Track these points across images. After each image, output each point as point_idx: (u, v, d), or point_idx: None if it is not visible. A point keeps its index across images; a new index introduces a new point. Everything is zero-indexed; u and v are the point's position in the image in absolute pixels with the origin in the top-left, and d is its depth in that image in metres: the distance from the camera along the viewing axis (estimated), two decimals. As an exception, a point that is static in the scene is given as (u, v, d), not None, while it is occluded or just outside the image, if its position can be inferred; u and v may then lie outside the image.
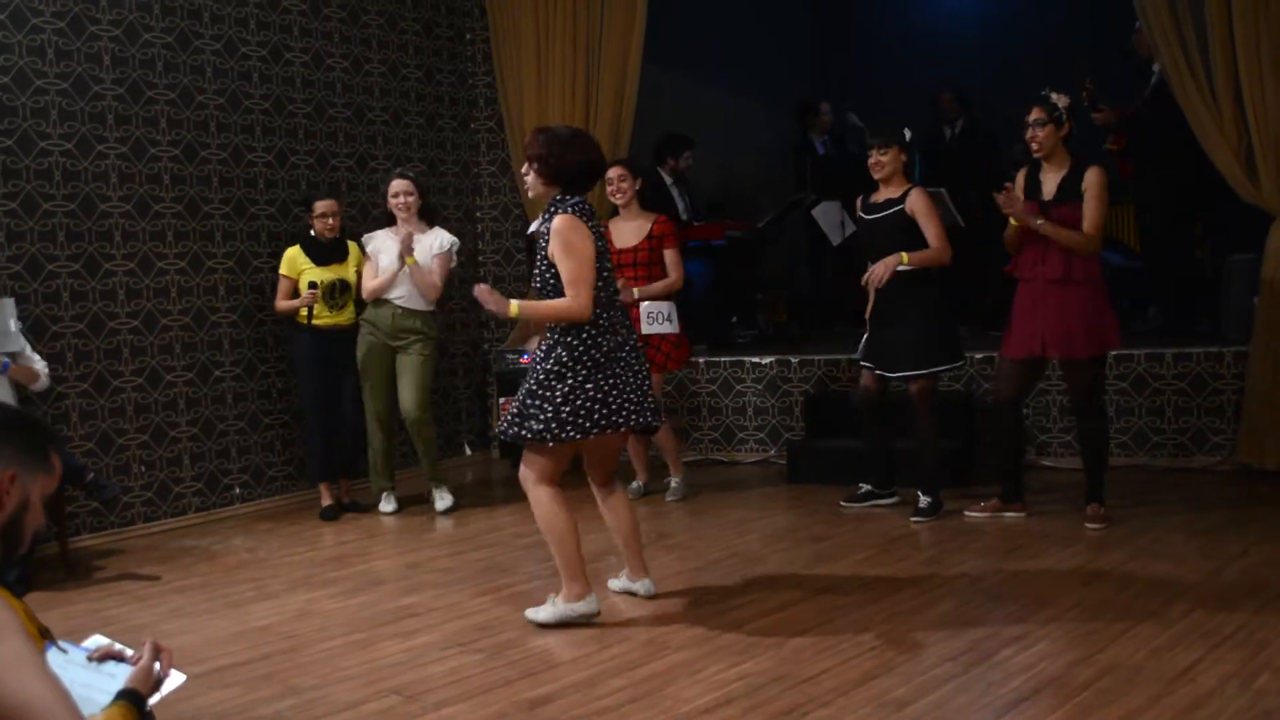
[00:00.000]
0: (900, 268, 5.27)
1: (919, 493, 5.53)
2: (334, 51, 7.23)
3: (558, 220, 3.97)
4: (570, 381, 3.98)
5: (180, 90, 6.35)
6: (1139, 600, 4.10)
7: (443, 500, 6.35)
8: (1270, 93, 5.81)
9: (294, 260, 6.28)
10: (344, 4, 7.28)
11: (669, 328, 6.05)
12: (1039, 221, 5.05)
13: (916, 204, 5.35)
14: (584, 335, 4.02)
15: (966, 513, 5.52)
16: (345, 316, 6.35)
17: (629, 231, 6.09)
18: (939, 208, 5.56)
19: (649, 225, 6.07)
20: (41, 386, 5.35)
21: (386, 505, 6.39)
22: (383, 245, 6.22)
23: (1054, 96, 5.12)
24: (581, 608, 4.08)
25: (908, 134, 5.47)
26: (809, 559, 4.95)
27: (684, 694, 3.42)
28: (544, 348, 4.12)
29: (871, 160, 5.44)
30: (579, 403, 3.97)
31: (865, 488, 5.82)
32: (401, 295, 6.18)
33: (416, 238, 6.19)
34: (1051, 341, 5.16)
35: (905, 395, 5.58)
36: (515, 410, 4.08)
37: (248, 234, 6.69)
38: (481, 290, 4.05)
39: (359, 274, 6.33)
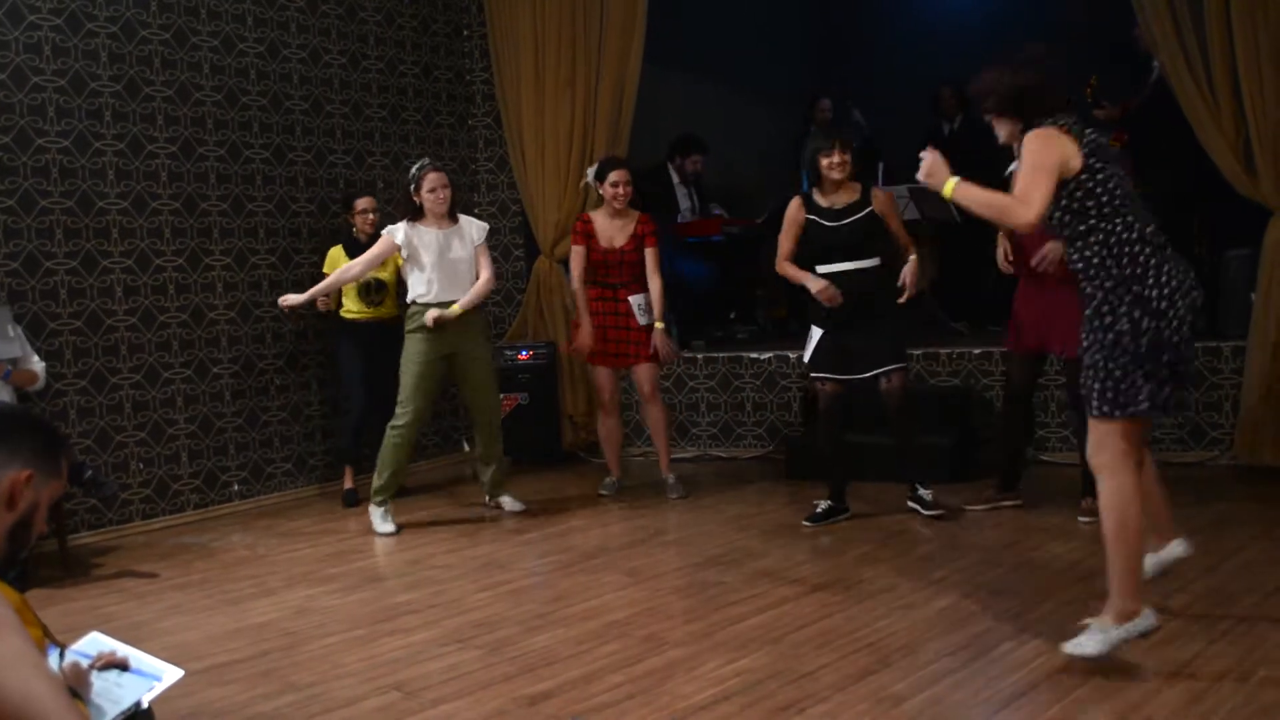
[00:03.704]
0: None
1: (918, 486, 5.52)
2: (331, 48, 7.22)
3: (1026, 138, 3.43)
4: (1117, 331, 3.34)
5: (177, 87, 6.34)
6: (1137, 595, 4.10)
7: (514, 504, 6.12)
8: (1268, 88, 5.81)
9: (336, 260, 6.46)
10: (341, 0, 7.28)
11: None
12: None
13: (886, 206, 5.41)
14: (1105, 262, 3.39)
15: (967, 507, 5.57)
16: (384, 311, 6.51)
17: (615, 229, 6.21)
18: (934, 204, 5.61)
19: (633, 225, 6.21)
20: (38, 387, 5.36)
21: (388, 525, 5.80)
22: (422, 240, 5.77)
23: None
24: (1141, 624, 3.38)
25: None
26: (807, 554, 4.96)
27: (682, 690, 3.43)
28: (1089, 303, 3.48)
29: (836, 160, 5.30)
30: (1129, 366, 3.33)
31: (823, 505, 5.54)
32: (462, 292, 5.82)
33: (446, 235, 5.81)
34: (1057, 339, 5.20)
35: (875, 394, 5.49)
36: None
37: (245, 230, 6.69)
38: (930, 161, 3.53)
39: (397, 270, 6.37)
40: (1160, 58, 6.22)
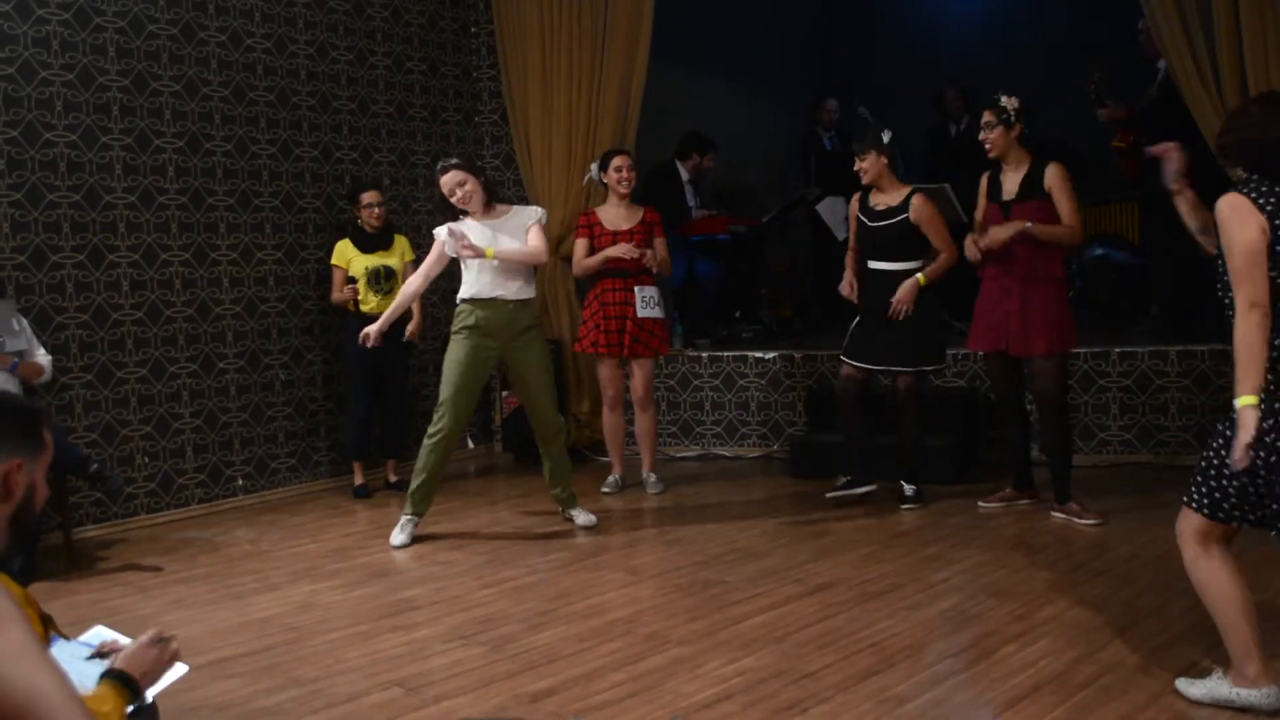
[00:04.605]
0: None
1: (902, 483, 5.75)
2: (338, 44, 7.22)
3: (1223, 205, 3.12)
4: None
5: (185, 82, 6.35)
6: (1140, 597, 4.11)
7: (585, 517, 5.70)
8: (1277, 89, 5.79)
9: (343, 251, 6.63)
10: (349, -4, 7.29)
11: (660, 312, 6.37)
12: (1028, 224, 5.16)
13: (921, 214, 5.56)
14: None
15: (980, 503, 5.66)
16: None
17: (621, 217, 6.34)
18: (942, 204, 5.67)
19: (641, 212, 6.35)
20: (45, 380, 5.38)
21: (401, 537, 5.43)
22: (469, 227, 5.39)
23: (1004, 99, 5.28)
24: (1255, 698, 3.08)
25: (886, 136, 5.61)
26: (811, 554, 4.96)
27: (684, 689, 3.43)
28: None
29: (855, 168, 5.65)
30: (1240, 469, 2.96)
31: (843, 479, 5.92)
32: (513, 288, 5.40)
33: (493, 225, 5.42)
34: (1014, 339, 5.32)
35: (890, 389, 5.79)
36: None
37: (252, 226, 6.69)
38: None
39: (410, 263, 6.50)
40: (1167, 58, 6.20)
